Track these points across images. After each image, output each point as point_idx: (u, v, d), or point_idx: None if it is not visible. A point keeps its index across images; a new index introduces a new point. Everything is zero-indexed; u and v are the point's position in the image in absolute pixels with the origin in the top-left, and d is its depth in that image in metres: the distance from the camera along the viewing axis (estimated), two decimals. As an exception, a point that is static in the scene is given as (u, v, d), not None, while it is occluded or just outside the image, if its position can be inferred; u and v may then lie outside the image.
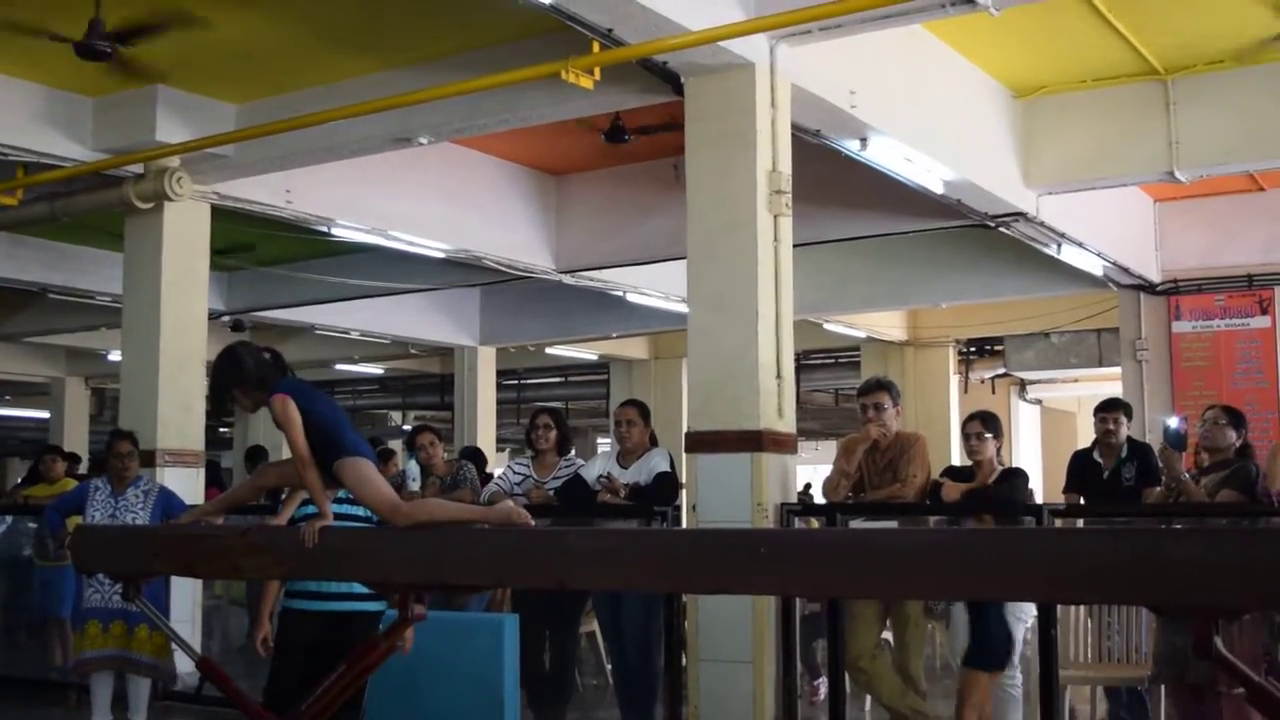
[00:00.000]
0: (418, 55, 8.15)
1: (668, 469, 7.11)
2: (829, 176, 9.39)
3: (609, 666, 7.92)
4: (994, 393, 17.27)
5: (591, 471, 7.26)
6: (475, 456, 10.59)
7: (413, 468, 7.91)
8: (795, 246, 7.01)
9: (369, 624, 5.25)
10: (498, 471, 8.53)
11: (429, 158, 10.23)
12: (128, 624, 6.89)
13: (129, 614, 6.80)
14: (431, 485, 7.67)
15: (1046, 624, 5.82)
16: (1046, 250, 10.96)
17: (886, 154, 8.26)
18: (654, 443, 7.34)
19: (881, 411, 6.72)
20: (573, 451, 7.70)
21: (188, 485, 8.89)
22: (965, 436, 6.78)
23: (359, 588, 5.13)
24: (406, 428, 19.97)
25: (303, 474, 4.43)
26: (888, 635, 6.95)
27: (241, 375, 4.55)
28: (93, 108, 8.90)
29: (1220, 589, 3.15)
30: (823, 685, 7.87)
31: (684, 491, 7.09)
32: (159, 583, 6.80)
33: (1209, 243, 12.29)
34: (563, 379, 21.71)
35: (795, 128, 7.23)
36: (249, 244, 12.53)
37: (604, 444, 24.25)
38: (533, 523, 4.19)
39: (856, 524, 6.39)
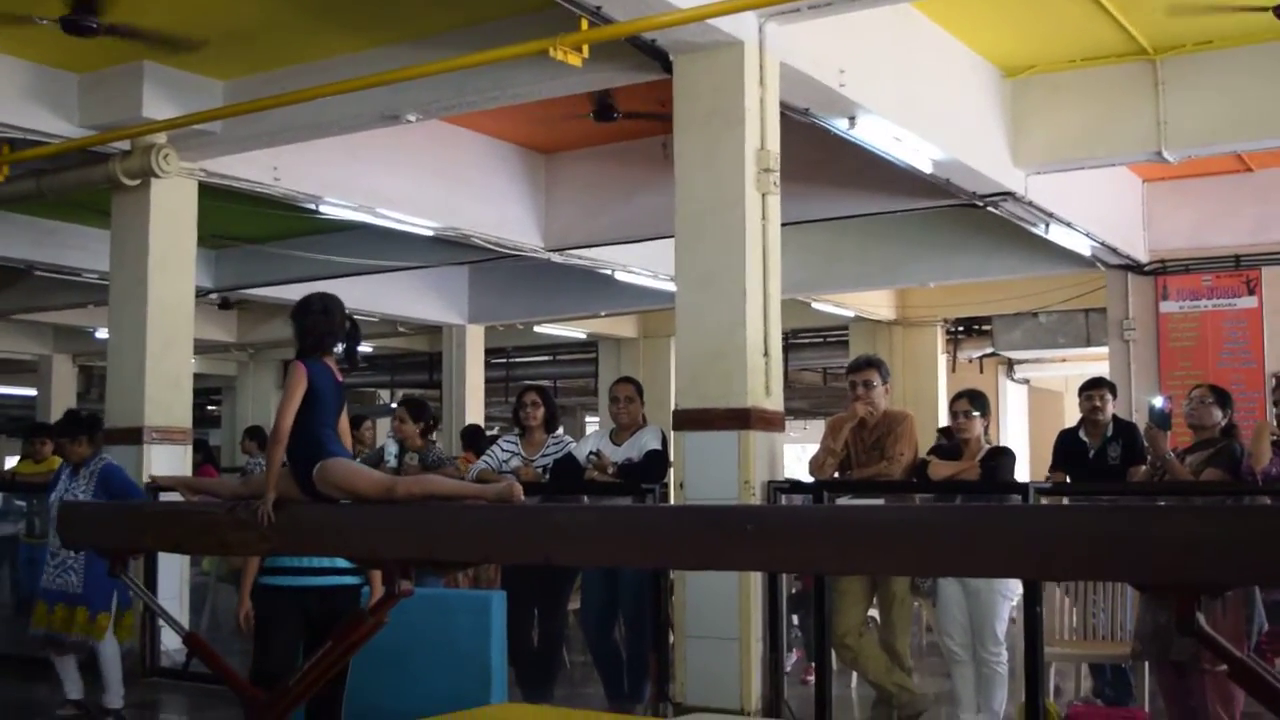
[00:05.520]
0: (406, 32, 8.12)
1: (659, 446, 7.13)
2: (817, 155, 9.39)
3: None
4: (982, 372, 17.30)
5: (583, 450, 7.27)
6: (475, 436, 10.64)
7: (390, 445, 7.93)
8: (783, 225, 7.01)
9: (351, 598, 5.26)
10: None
11: (417, 135, 10.20)
12: (69, 606, 7.02)
13: (68, 595, 6.98)
14: (409, 463, 7.68)
15: (1032, 601, 5.85)
16: (1035, 230, 10.97)
17: (875, 133, 8.25)
18: (644, 422, 7.38)
19: (871, 389, 6.74)
20: (560, 429, 7.71)
21: (175, 462, 8.92)
22: (953, 415, 6.81)
23: (339, 562, 5.14)
24: (394, 405, 19.97)
25: (271, 447, 4.49)
26: (874, 613, 6.99)
27: (300, 320, 4.70)
28: (79, 84, 8.84)
29: (1205, 565, 3.17)
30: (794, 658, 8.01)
31: (672, 469, 7.11)
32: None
33: (1197, 223, 12.31)
34: (551, 358, 21.70)
35: (784, 106, 7.22)
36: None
37: (592, 422, 24.25)
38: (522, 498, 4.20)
39: (843, 501, 6.41)
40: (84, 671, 7.24)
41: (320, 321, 4.70)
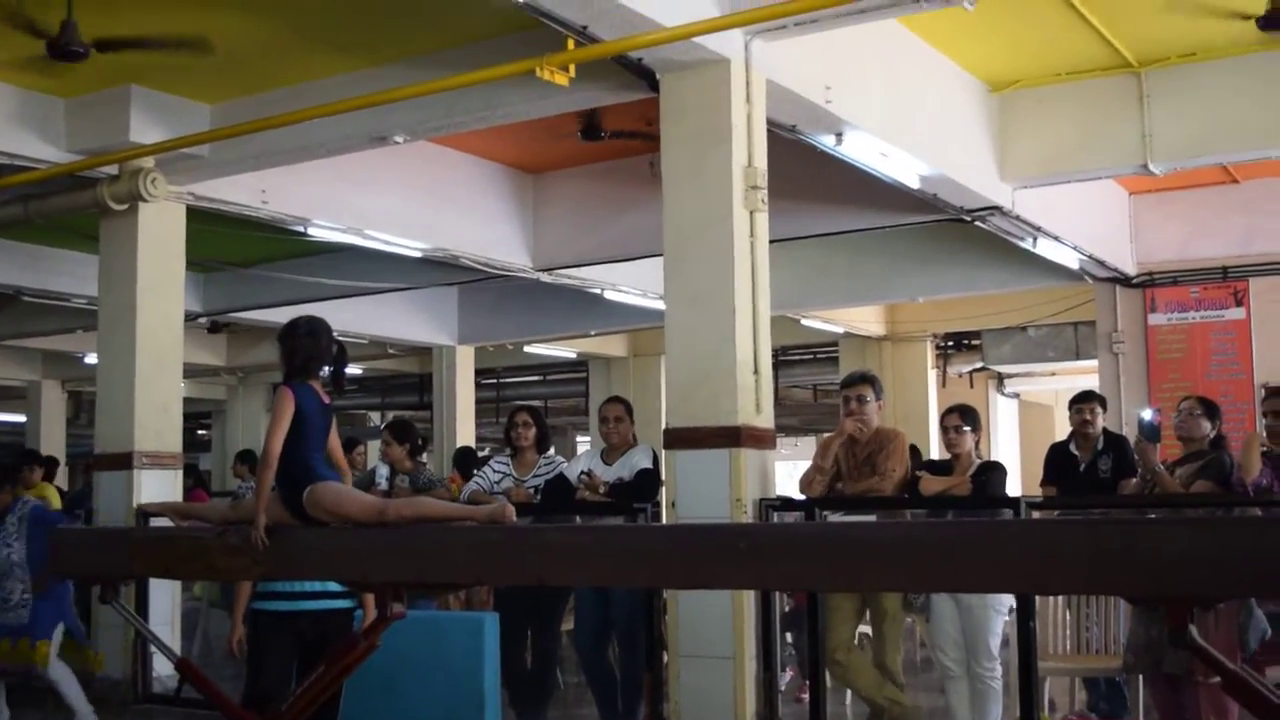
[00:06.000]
0: (393, 53, 8.13)
1: (650, 465, 7.12)
2: (805, 172, 9.40)
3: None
4: (972, 387, 17.32)
5: (574, 470, 7.27)
6: (467, 458, 10.59)
7: (381, 468, 7.94)
8: (772, 242, 7.01)
9: (343, 621, 5.24)
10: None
11: (405, 156, 10.20)
12: (15, 639, 7.15)
13: (15, 630, 7.14)
14: (400, 486, 7.68)
15: (1025, 616, 5.85)
16: (1022, 244, 10.99)
17: (862, 149, 8.27)
18: (634, 441, 7.37)
19: (864, 404, 6.74)
20: (552, 449, 7.71)
21: (165, 487, 8.88)
22: (944, 429, 6.81)
23: (332, 586, 5.13)
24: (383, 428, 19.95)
25: (260, 471, 4.47)
26: (867, 629, 6.98)
27: (287, 343, 4.65)
28: (65, 108, 8.84)
29: (1196, 578, 3.17)
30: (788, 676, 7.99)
31: (664, 488, 7.10)
32: (64, 587, 7.11)
33: (1184, 235, 12.34)
34: (541, 378, 21.70)
35: (771, 123, 7.23)
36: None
37: (583, 442, 24.23)
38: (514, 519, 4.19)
39: (835, 518, 6.41)
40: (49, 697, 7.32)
41: (307, 345, 4.69)
